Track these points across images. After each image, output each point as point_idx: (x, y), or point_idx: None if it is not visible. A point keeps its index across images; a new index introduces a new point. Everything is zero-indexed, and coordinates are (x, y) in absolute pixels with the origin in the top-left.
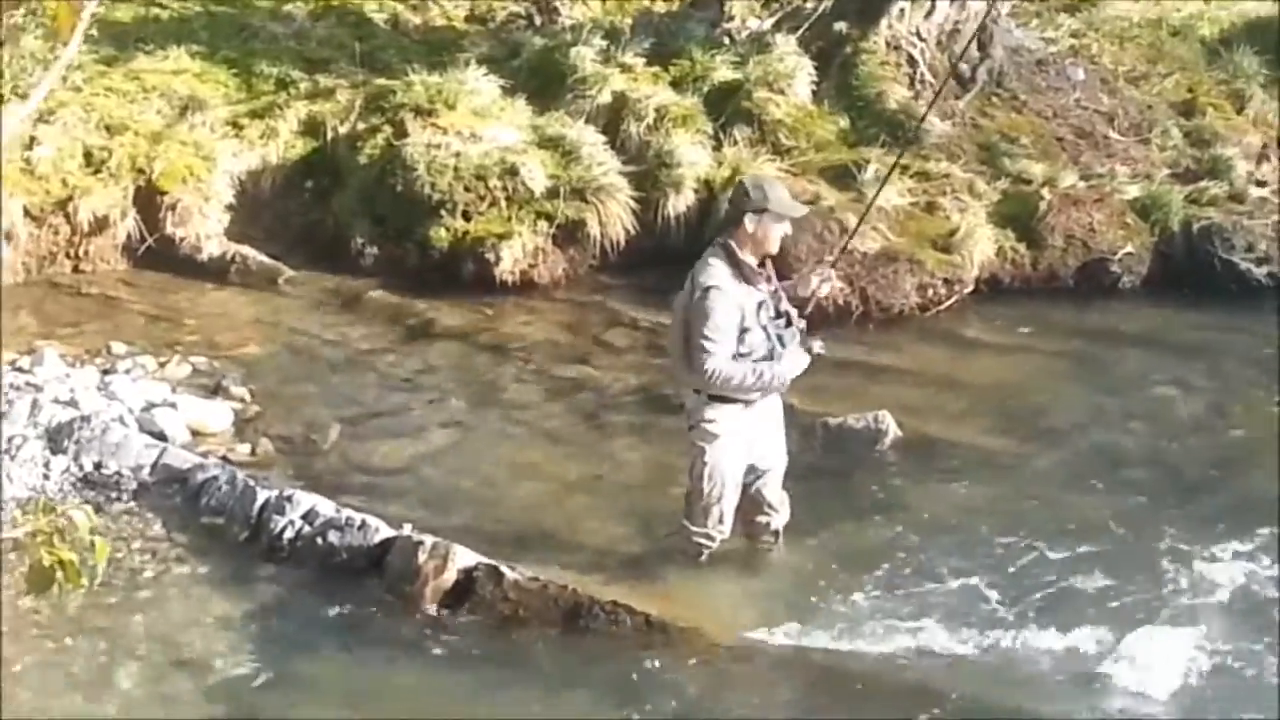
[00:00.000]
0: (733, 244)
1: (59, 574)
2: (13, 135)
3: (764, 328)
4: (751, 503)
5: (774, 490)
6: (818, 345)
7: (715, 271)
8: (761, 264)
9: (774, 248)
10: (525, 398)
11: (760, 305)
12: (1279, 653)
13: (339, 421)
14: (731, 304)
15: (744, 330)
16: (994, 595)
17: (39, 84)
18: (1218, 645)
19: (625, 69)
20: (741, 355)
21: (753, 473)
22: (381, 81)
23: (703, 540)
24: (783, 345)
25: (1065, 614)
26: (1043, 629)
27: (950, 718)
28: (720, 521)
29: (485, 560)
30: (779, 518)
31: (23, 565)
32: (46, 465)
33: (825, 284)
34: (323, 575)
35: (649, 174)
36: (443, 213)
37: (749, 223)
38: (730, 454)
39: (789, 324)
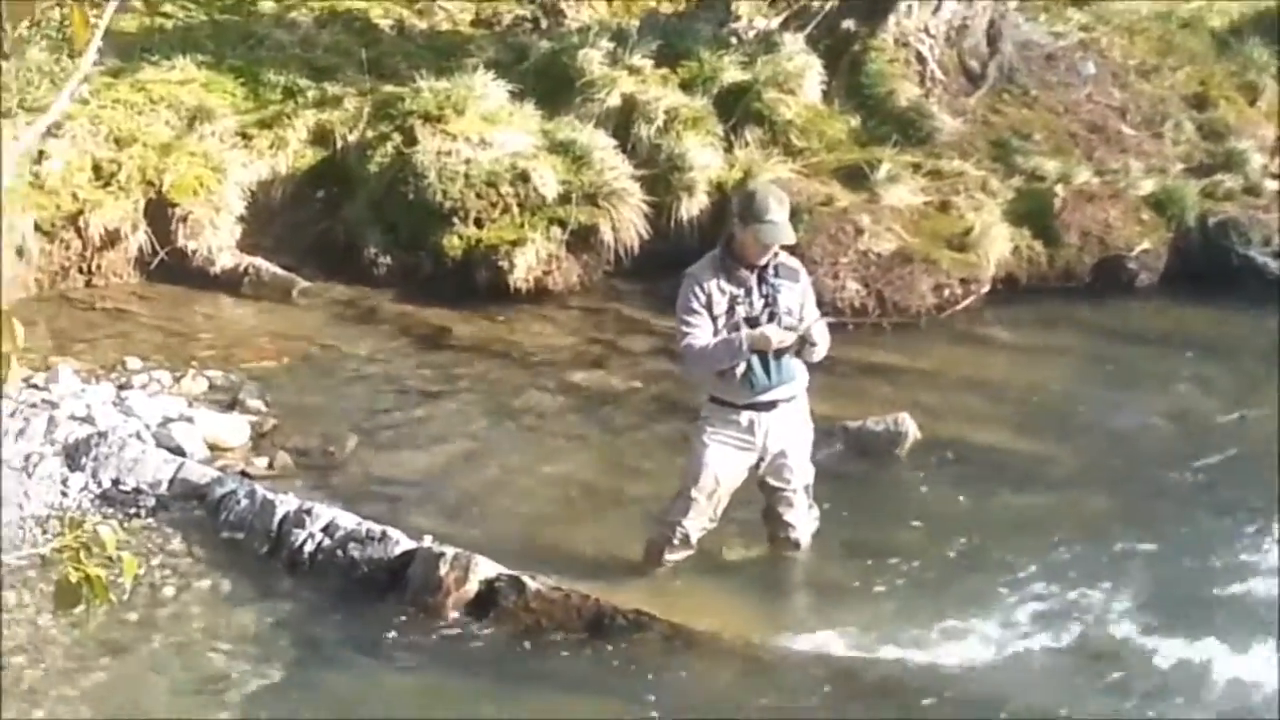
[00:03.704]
0: (729, 243)
1: (86, 590)
2: (25, 150)
3: (731, 321)
4: (770, 518)
5: (795, 508)
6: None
7: (699, 264)
8: (751, 267)
9: (754, 258)
10: (542, 406)
11: (734, 301)
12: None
13: (356, 433)
14: (700, 290)
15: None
16: (1015, 598)
17: (55, 97)
18: (1238, 648)
19: (633, 71)
20: None
21: (770, 489)
22: (389, 88)
23: (668, 530)
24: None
25: (1088, 617)
26: (1064, 632)
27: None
28: (690, 515)
29: (507, 571)
30: (800, 531)
31: (44, 583)
32: (64, 482)
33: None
34: (344, 588)
35: (661, 177)
36: (455, 220)
37: (736, 229)
38: (719, 454)
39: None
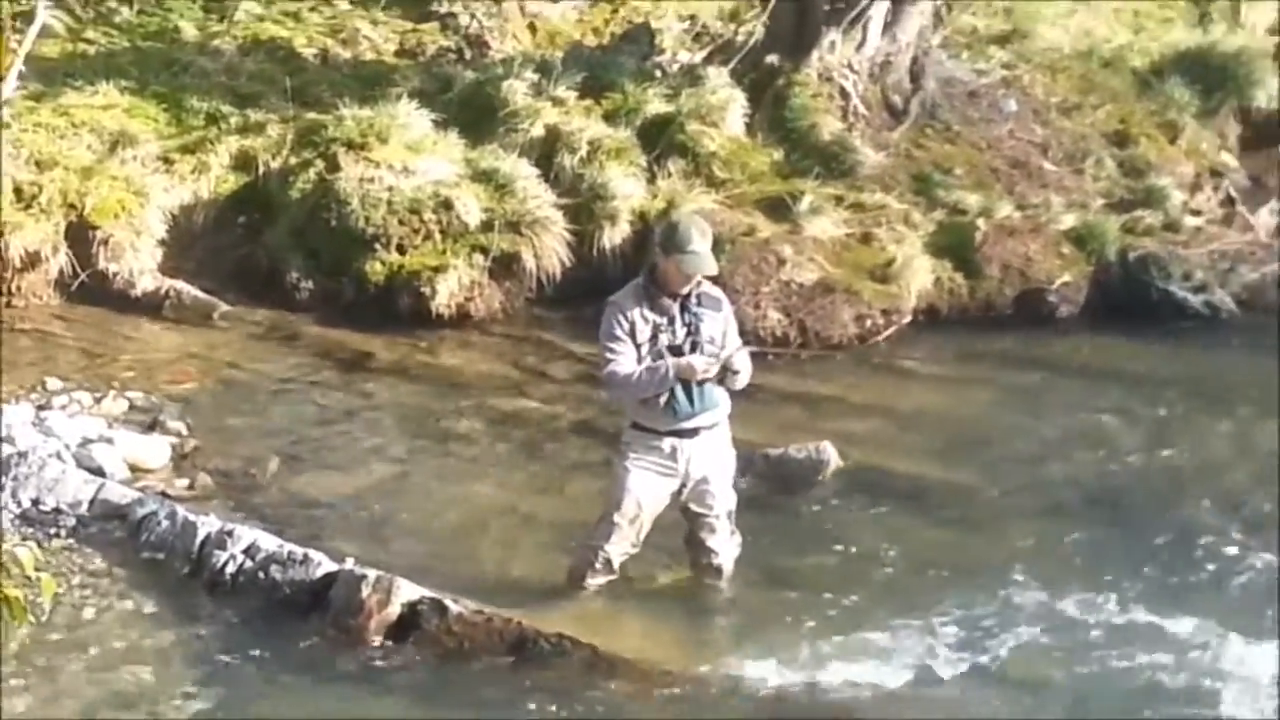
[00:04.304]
0: (652, 271)
1: (4, 611)
2: None
3: (654, 349)
4: (692, 544)
5: (716, 534)
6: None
7: (622, 292)
8: (674, 296)
9: (676, 287)
10: (464, 430)
11: (657, 329)
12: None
13: (278, 455)
14: (623, 318)
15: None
16: (935, 625)
17: None
18: (1148, 675)
19: (557, 102)
20: None
21: (692, 515)
22: (313, 116)
23: (590, 555)
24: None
25: (1003, 645)
26: (982, 658)
27: None
28: (613, 540)
29: (429, 593)
30: (722, 557)
31: None
32: None
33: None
34: (265, 610)
35: (583, 207)
36: (377, 246)
37: (659, 259)
38: (641, 480)
39: (694, 350)
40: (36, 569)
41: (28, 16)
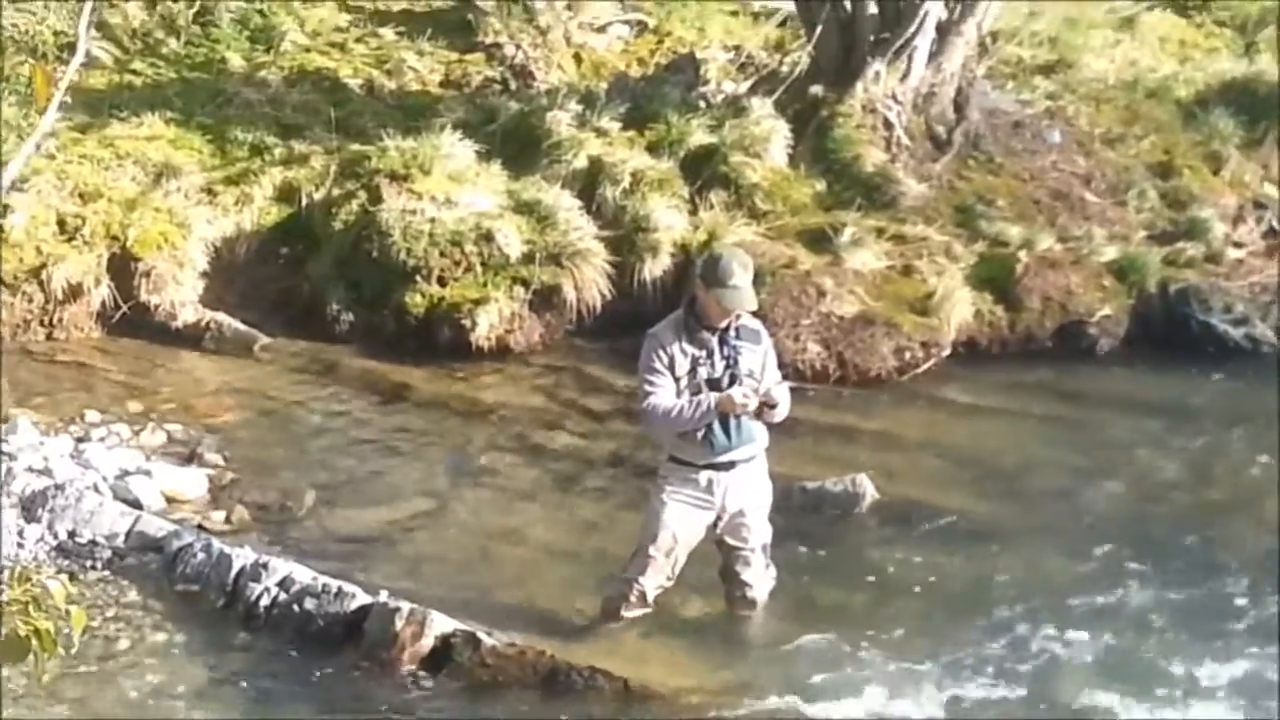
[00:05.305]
0: (691, 304)
1: (34, 644)
2: None
3: (693, 382)
4: (728, 577)
5: (752, 567)
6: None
7: (661, 324)
8: (713, 329)
9: (713, 321)
10: (502, 463)
11: (696, 362)
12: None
13: (315, 488)
14: (662, 351)
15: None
16: (970, 660)
17: (16, 153)
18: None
19: (601, 133)
20: None
21: (727, 548)
22: (356, 147)
23: (625, 588)
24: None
25: (1041, 680)
26: (1017, 692)
27: None
28: (648, 573)
29: (462, 626)
30: (756, 590)
31: None
32: (20, 534)
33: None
34: (299, 642)
35: (625, 238)
36: (418, 278)
37: (699, 292)
38: (677, 513)
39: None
40: (69, 601)
41: (74, 48)
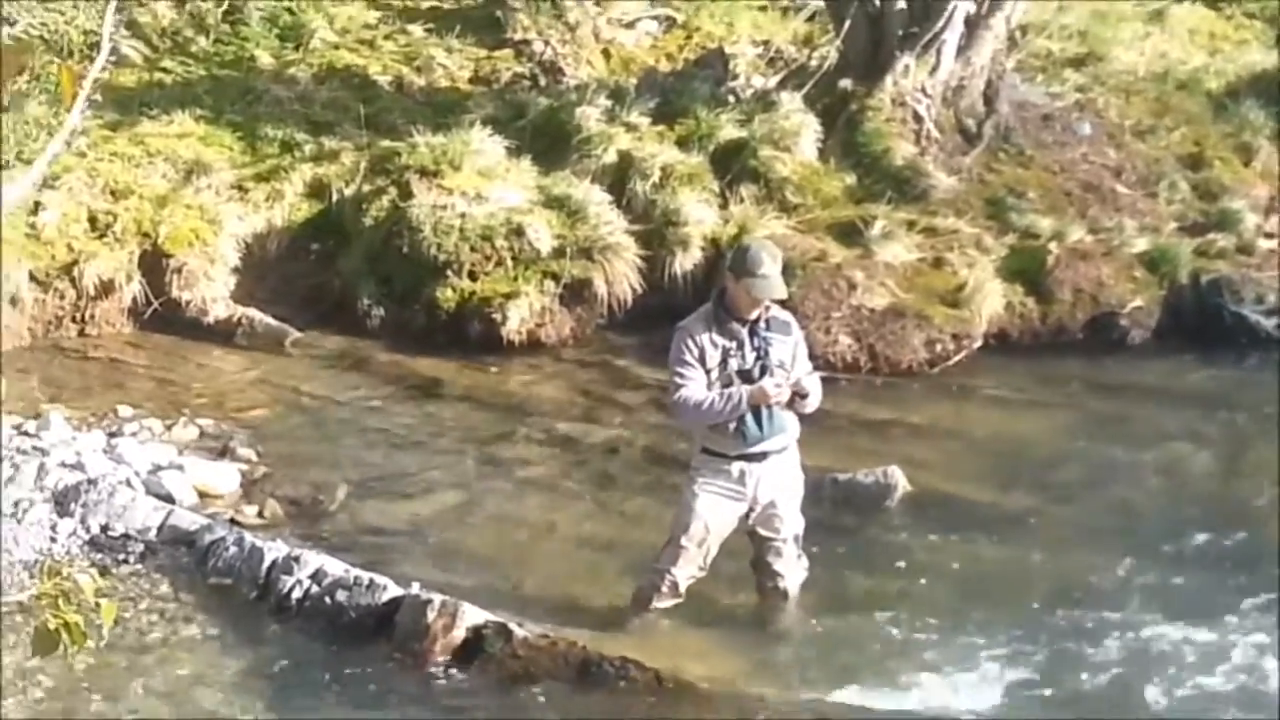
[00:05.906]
0: (721, 296)
1: (64, 636)
2: (18, 201)
3: (724, 373)
4: (759, 567)
5: (783, 558)
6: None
7: (691, 317)
8: (743, 321)
9: (743, 312)
10: (533, 457)
11: (727, 354)
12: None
13: (346, 482)
14: (693, 343)
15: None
16: (1002, 651)
17: (44, 150)
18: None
19: (630, 128)
20: None
21: (759, 539)
22: (386, 143)
23: (657, 578)
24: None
25: (1073, 672)
26: (1050, 686)
27: None
28: (680, 564)
29: (494, 618)
30: (788, 580)
31: (30, 628)
32: (53, 528)
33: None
34: (331, 634)
35: (655, 232)
36: (449, 273)
37: (728, 283)
38: (709, 504)
39: (764, 374)
40: (99, 594)
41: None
